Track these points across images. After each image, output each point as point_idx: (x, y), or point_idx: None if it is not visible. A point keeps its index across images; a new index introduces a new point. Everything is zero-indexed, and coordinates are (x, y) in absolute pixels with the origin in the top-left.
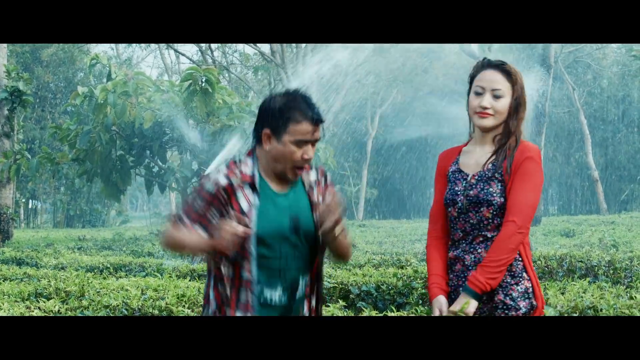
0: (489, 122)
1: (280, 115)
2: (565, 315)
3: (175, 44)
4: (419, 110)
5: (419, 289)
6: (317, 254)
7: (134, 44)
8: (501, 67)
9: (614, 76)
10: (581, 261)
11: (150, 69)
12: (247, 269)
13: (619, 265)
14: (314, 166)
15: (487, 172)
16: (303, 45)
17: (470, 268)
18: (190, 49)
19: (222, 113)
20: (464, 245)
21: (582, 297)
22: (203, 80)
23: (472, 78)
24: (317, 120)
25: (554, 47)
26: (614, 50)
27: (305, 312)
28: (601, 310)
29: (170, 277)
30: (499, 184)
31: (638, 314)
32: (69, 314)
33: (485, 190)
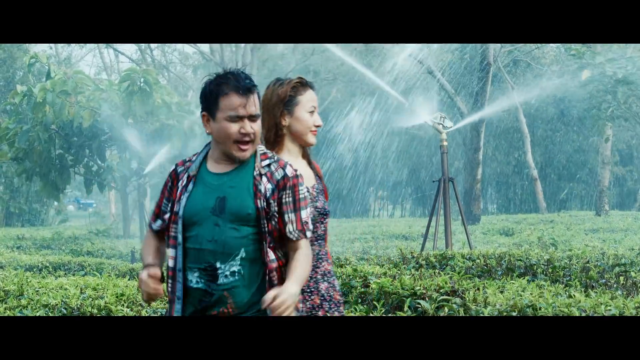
0: (315, 139)
1: (210, 94)
2: (505, 314)
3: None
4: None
5: (358, 287)
6: (261, 242)
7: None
8: (313, 85)
9: (553, 75)
10: (520, 260)
11: (90, 67)
12: (171, 257)
13: (558, 264)
14: (288, 164)
15: (318, 185)
16: (242, 44)
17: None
18: (129, 48)
19: (161, 112)
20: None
21: (521, 295)
22: (141, 81)
23: (291, 97)
24: (245, 90)
25: (493, 47)
26: (552, 49)
27: (243, 303)
28: (540, 309)
29: (109, 276)
30: (323, 196)
31: (576, 313)
32: (8, 313)
33: (326, 203)
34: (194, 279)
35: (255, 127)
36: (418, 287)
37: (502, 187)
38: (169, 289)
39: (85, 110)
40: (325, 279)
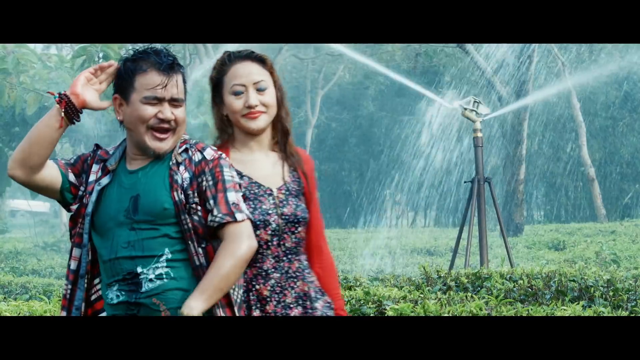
0: (262, 121)
1: (125, 73)
2: None
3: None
4: (373, 91)
5: (371, 314)
6: (187, 241)
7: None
8: (252, 56)
9: (615, 50)
10: (573, 280)
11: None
12: (74, 258)
13: (621, 285)
14: (208, 147)
15: (292, 185)
16: None
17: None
18: None
19: None
20: (279, 275)
21: None
22: (100, 56)
23: (217, 80)
24: (167, 68)
25: None
26: None
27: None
28: None
29: (59, 301)
30: (303, 198)
31: None
32: None
33: (301, 207)
34: (113, 295)
35: (178, 113)
36: (446, 314)
37: (551, 190)
38: (66, 294)
39: (30, 94)
40: (300, 303)
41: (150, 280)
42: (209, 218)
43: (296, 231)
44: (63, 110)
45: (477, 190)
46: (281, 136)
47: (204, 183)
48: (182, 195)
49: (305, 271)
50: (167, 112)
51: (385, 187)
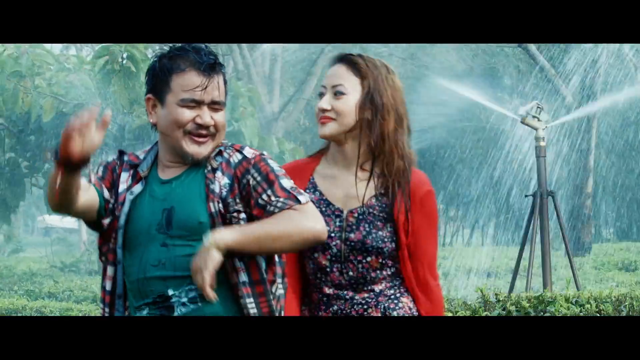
0: (327, 129)
1: (161, 71)
2: None
3: None
4: (425, 96)
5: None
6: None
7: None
8: (347, 58)
9: None
10: None
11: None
12: (109, 278)
13: None
14: (246, 146)
15: (370, 209)
16: None
17: None
18: None
19: None
20: (342, 302)
21: None
22: (124, 56)
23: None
24: (208, 67)
25: None
26: None
27: None
28: None
29: None
30: (389, 225)
31: None
32: None
33: (375, 235)
34: None
35: (218, 118)
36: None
37: (622, 205)
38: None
39: (46, 99)
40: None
41: (183, 304)
42: (267, 208)
43: (364, 260)
44: (62, 171)
45: (539, 205)
46: (370, 152)
47: (251, 182)
48: (220, 205)
49: (379, 298)
50: (207, 116)
51: (438, 201)
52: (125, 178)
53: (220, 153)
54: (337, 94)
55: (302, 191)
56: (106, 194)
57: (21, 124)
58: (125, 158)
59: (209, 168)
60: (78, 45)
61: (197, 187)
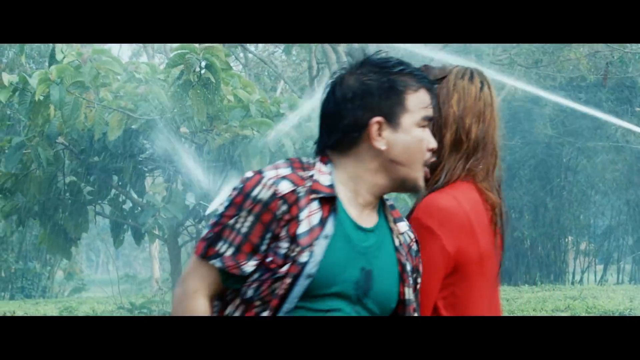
0: None
1: (390, 89)
2: None
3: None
4: (551, 110)
5: None
6: None
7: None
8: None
9: None
10: None
11: (119, 45)
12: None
13: None
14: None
15: None
16: None
17: None
18: None
19: (232, 116)
20: None
21: None
22: (202, 65)
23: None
24: (433, 88)
25: None
26: None
27: None
28: None
29: None
30: None
31: None
32: None
33: None
34: None
35: None
36: None
37: None
38: None
39: (113, 114)
40: None
41: None
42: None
43: None
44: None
45: None
46: None
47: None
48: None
49: None
50: (433, 140)
51: (566, 232)
52: (308, 212)
53: (403, 226)
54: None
55: None
56: (246, 269)
57: (83, 142)
58: (299, 190)
59: (397, 240)
60: (150, 51)
61: (390, 256)
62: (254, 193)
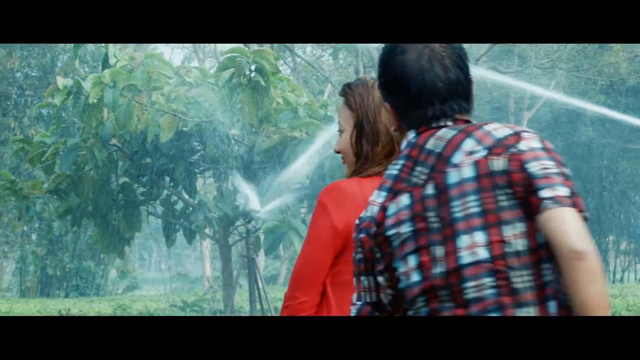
0: (345, 171)
1: None
2: None
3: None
4: (592, 112)
5: None
6: None
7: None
8: (341, 91)
9: None
10: None
11: (171, 50)
12: None
13: None
14: None
15: None
16: None
17: None
18: None
19: (281, 118)
20: None
21: None
22: (252, 68)
23: None
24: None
25: None
26: None
27: None
28: None
29: None
30: None
31: None
32: None
33: None
34: None
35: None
36: None
37: None
38: None
39: (165, 117)
40: None
41: None
42: None
43: None
44: None
45: None
46: None
47: None
48: None
49: None
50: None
51: (607, 232)
52: None
53: None
54: (339, 133)
55: None
56: None
57: (136, 144)
58: None
59: None
60: (200, 56)
61: None
62: None
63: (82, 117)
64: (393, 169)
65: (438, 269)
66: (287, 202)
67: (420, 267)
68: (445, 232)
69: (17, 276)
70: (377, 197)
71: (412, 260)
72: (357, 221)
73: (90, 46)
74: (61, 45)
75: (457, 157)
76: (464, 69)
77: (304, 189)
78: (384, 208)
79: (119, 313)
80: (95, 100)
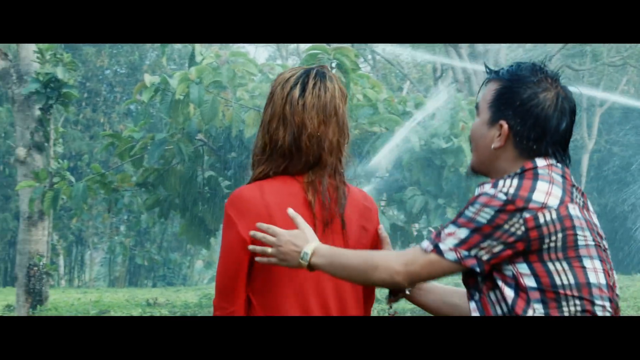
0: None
1: None
2: None
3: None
4: None
5: None
6: None
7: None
8: None
9: None
10: None
11: (255, 47)
12: None
13: None
14: None
15: None
16: None
17: None
18: None
19: (361, 114)
20: None
21: None
22: (333, 65)
23: None
24: None
25: None
26: None
27: None
28: None
29: None
30: None
31: None
32: None
33: None
34: None
35: None
36: None
37: None
38: None
39: (249, 112)
40: None
41: None
42: None
43: None
44: None
45: None
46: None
47: None
48: None
49: None
50: None
51: None
52: None
53: None
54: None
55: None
56: None
57: (221, 139)
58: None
59: None
60: (284, 54)
61: None
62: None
63: (169, 112)
64: None
65: None
66: (384, 194)
67: None
68: None
69: (105, 267)
70: None
71: None
72: None
73: (177, 45)
74: (149, 44)
75: None
76: None
77: (383, 182)
78: None
79: (204, 303)
80: (181, 97)
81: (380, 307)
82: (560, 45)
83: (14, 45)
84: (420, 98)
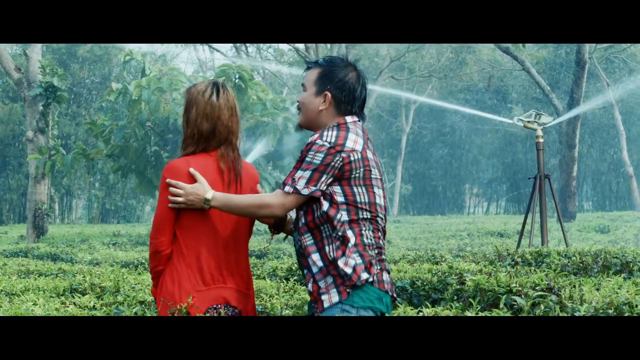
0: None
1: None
2: (601, 311)
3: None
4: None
5: (454, 284)
6: None
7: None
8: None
9: None
10: (616, 257)
11: (185, 64)
12: None
13: None
14: None
15: None
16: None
17: None
18: (224, 45)
19: (256, 109)
20: None
21: (617, 293)
22: (236, 77)
23: None
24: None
25: (588, 44)
26: None
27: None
28: (637, 306)
29: None
30: None
31: None
32: (104, 309)
33: None
34: None
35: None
36: (514, 284)
37: (598, 185)
38: None
39: (180, 108)
40: None
41: None
42: None
43: None
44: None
45: (539, 185)
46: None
47: None
48: None
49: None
50: None
51: (464, 182)
52: None
53: None
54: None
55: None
56: None
57: (162, 125)
58: None
59: None
60: (204, 69)
61: None
62: None
63: (128, 108)
64: None
65: None
66: (258, 162)
67: None
68: None
69: (86, 210)
70: None
71: None
72: None
73: (134, 61)
74: (114, 61)
75: None
76: None
77: (270, 154)
78: None
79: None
80: (136, 97)
81: (262, 239)
82: (388, 61)
83: (25, 63)
84: (293, 99)
